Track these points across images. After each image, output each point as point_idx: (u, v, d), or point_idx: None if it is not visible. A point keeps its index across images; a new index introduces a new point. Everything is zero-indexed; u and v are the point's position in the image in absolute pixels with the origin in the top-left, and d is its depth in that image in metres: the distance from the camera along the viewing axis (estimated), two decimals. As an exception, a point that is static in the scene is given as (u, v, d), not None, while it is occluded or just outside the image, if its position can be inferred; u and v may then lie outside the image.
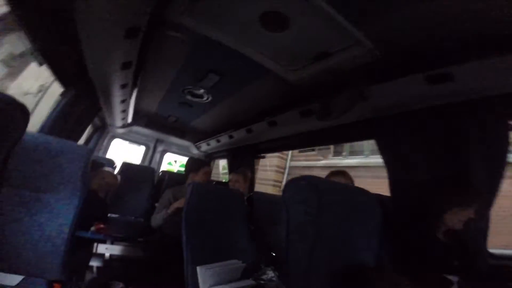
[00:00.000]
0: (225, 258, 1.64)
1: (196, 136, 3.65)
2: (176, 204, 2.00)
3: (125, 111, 2.72)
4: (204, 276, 1.42)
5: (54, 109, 1.81)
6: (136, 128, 3.61)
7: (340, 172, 1.86)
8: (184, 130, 3.62)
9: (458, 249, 1.09)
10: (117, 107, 2.48)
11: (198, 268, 1.45)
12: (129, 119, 3.18)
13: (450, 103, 1.23)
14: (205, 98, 2.35)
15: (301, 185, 0.97)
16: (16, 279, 1.04)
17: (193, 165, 2.34)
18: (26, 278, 1.05)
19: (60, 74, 1.76)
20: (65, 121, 1.84)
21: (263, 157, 3.08)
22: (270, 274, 1.60)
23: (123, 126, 3.44)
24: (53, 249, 1.11)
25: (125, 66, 1.54)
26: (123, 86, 1.91)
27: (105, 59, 1.48)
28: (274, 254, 1.74)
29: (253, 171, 2.99)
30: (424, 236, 1.15)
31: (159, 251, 2.00)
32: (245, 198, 2.29)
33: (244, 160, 3.08)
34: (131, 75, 1.74)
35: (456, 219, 1.10)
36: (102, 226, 1.88)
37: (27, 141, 1.14)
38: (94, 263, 2.07)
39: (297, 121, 1.93)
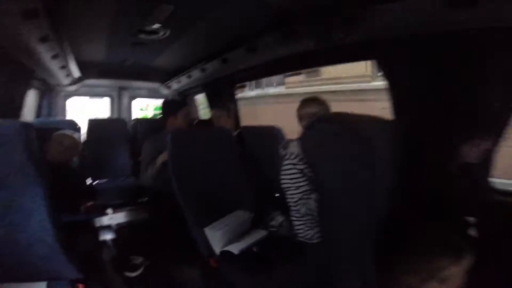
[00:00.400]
0: (228, 210, 1.57)
1: (164, 76, 3.19)
2: (161, 159, 1.80)
3: (65, 66, 2.22)
4: (215, 238, 1.38)
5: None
6: (90, 81, 3.14)
7: (312, 100, 1.63)
8: (147, 72, 3.14)
9: (472, 185, 1.00)
10: (52, 64, 1.99)
11: (206, 231, 1.39)
12: (76, 74, 2.67)
13: (469, 30, 0.97)
14: (161, 34, 1.88)
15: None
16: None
17: (170, 108, 2.05)
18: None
19: None
20: None
21: (244, 86, 2.76)
22: (280, 218, 1.58)
23: (73, 83, 2.95)
24: (49, 250, 0.97)
25: (28, 16, 1.08)
26: (43, 40, 1.44)
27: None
28: (278, 195, 1.68)
29: (235, 103, 2.72)
30: (438, 169, 1.04)
31: (161, 212, 1.92)
32: (234, 135, 2.11)
33: (224, 92, 2.76)
34: (46, 26, 1.30)
35: (475, 150, 0.97)
36: (90, 203, 1.70)
37: None
38: (107, 237, 2.03)
39: (280, 44, 1.57)
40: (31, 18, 1.12)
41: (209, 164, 1.66)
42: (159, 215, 1.93)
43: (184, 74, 2.84)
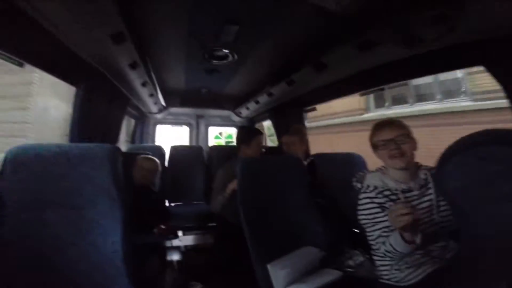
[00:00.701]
0: (296, 245, 1.39)
1: (234, 103, 3.34)
2: (231, 187, 1.78)
3: (152, 94, 2.54)
4: (277, 275, 1.21)
5: (74, 113, 1.67)
6: (173, 110, 3.53)
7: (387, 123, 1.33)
8: (220, 100, 3.35)
9: None
10: (142, 91, 2.28)
11: (269, 268, 1.23)
12: (162, 102, 3.04)
13: None
14: (230, 58, 1.96)
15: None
16: None
17: (243, 136, 2.05)
18: None
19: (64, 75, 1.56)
20: (88, 122, 1.69)
21: (314, 109, 2.62)
22: (359, 258, 1.31)
23: (160, 111, 3.36)
24: (116, 271, 0.99)
25: (117, 40, 1.24)
26: (132, 66, 1.64)
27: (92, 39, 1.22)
28: (357, 231, 1.42)
29: (305, 128, 2.58)
30: None
31: (227, 240, 1.86)
32: (306, 164, 1.95)
33: (291, 117, 2.67)
34: (134, 51, 1.49)
35: None
36: (163, 227, 1.75)
37: (41, 154, 1.00)
38: (174, 257, 2.09)
39: (353, 57, 1.41)
40: (119, 43, 1.27)
41: (279, 195, 1.57)
42: (224, 243, 1.89)
43: (252, 100, 2.90)
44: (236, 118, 3.67)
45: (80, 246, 0.99)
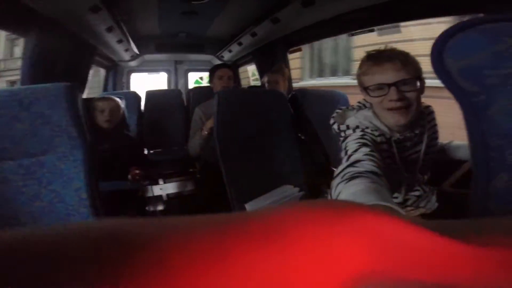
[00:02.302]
0: (275, 184, 1.41)
1: (216, 46, 3.12)
2: (209, 124, 1.67)
3: (121, 41, 2.31)
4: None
5: (24, 68, 1.48)
6: (148, 57, 3.29)
7: None
8: (200, 44, 3.11)
9: None
10: (108, 38, 2.07)
11: (247, 207, 1.28)
12: (135, 49, 2.79)
13: None
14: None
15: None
16: None
17: (209, 73, 1.93)
18: None
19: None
20: (46, 77, 1.51)
21: (300, 50, 2.48)
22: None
23: (133, 58, 3.13)
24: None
25: None
26: (93, 10, 1.44)
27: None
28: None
29: (288, 68, 2.47)
30: None
31: (209, 183, 1.85)
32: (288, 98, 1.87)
33: (275, 58, 2.52)
34: None
35: None
36: (137, 171, 1.59)
37: None
38: (157, 208, 2.08)
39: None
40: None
41: (258, 129, 1.49)
42: (207, 187, 1.88)
43: (234, 42, 2.70)
44: (218, 63, 3.47)
45: (43, 199, 0.93)
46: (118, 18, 1.90)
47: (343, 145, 0.79)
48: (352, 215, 0.12)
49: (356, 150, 0.70)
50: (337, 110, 0.94)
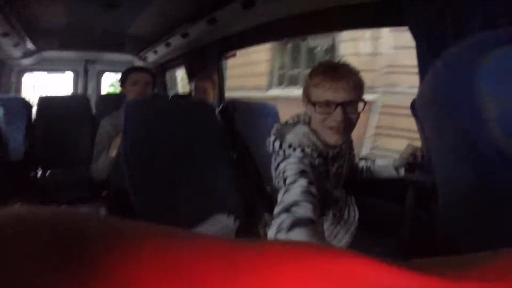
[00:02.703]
0: (205, 212, 1.14)
1: (138, 45, 2.74)
2: (115, 145, 1.35)
3: (7, 34, 1.84)
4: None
5: None
6: (50, 54, 2.68)
7: None
8: (121, 42, 2.66)
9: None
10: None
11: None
12: (30, 44, 2.23)
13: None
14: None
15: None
16: None
17: (121, 76, 1.61)
18: None
19: None
20: None
21: (234, 56, 2.39)
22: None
23: (27, 55, 2.51)
24: None
25: None
26: None
27: None
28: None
29: (221, 76, 2.36)
30: None
31: (122, 212, 1.35)
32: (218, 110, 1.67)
33: (208, 63, 2.37)
34: None
35: None
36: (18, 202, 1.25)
37: None
38: None
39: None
40: None
41: (181, 147, 1.21)
42: (120, 215, 1.49)
43: (162, 42, 2.42)
44: (140, 64, 3.08)
45: None
46: (2, 4, 1.46)
47: (282, 166, 0.75)
48: (331, 259, 0.12)
49: (294, 182, 0.66)
50: (277, 125, 0.89)
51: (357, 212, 0.99)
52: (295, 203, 0.60)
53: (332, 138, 0.80)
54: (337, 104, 0.75)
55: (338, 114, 0.75)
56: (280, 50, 5.71)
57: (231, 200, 1.23)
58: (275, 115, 1.71)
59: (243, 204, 1.24)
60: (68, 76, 3.11)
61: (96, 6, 1.82)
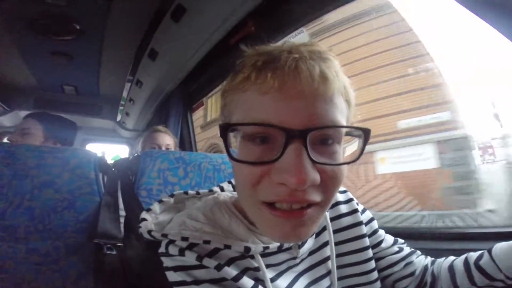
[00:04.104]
0: None
1: (113, 108, 2.40)
2: None
3: None
4: None
5: None
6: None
7: None
8: (96, 104, 2.38)
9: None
10: None
11: None
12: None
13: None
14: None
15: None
16: None
17: None
18: None
19: None
20: None
21: (202, 105, 1.83)
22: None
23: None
24: None
25: None
26: None
27: None
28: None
29: (188, 128, 1.77)
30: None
31: None
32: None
33: (175, 119, 1.81)
34: None
35: None
36: None
37: None
38: None
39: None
40: None
41: None
42: None
43: (127, 99, 2.03)
44: (124, 133, 2.69)
45: None
46: None
47: None
48: None
49: None
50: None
51: None
52: None
53: (277, 229, 0.34)
54: (290, 135, 0.31)
55: (290, 156, 0.31)
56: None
57: None
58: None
59: None
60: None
61: (51, 56, 1.60)
